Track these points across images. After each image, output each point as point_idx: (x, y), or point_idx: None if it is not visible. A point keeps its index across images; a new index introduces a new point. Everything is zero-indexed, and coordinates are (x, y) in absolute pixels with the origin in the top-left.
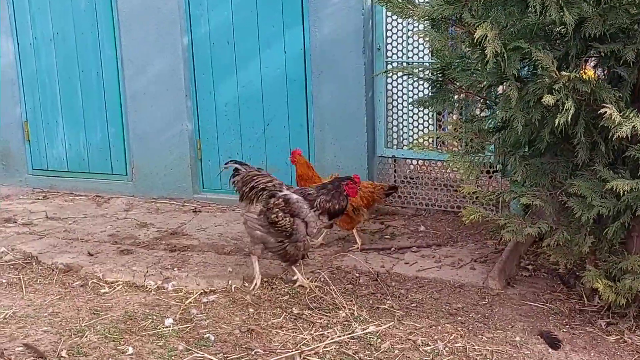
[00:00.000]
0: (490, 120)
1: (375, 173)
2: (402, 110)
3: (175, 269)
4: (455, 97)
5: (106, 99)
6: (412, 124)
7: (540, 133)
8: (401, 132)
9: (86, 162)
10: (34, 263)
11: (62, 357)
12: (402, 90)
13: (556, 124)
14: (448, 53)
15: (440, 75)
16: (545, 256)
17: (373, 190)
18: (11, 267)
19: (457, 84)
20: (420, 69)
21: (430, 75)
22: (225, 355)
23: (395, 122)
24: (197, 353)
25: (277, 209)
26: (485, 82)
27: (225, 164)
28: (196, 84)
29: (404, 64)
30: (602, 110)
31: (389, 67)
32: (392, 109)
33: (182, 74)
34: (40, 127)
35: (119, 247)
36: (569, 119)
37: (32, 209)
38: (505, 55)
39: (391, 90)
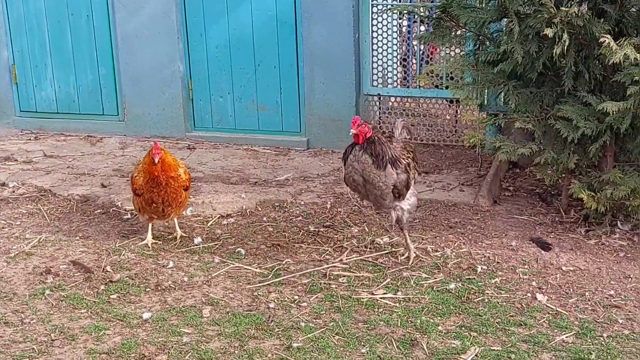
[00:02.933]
0: (486, 55)
1: (362, 110)
2: (386, 50)
3: (190, 196)
4: (453, 33)
5: (97, 42)
6: (395, 63)
7: (534, 64)
8: (385, 72)
9: (76, 103)
10: (49, 195)
11: (107, 271)
12: (386, 32)
13: (554, 54)
14: None
15: (441, 13)
16: (522, 179)
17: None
18: (27, 199)
19: (456, 21)
20: (421, 8)
21: (428, 13)
22: (259, 265)
23: (379, 62)
24: (233, 264)
25: None
26: (485, 18)
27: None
28: (187, 26)
29: (389, 6)
30: (601, 40)
31: (374, 9)
32: (376, 50)
33: (174, 16)
34: (28, 70)
35: (127, 179)
36: (564, 49)
37: (27, 148)
38: None
39: (376, 31)
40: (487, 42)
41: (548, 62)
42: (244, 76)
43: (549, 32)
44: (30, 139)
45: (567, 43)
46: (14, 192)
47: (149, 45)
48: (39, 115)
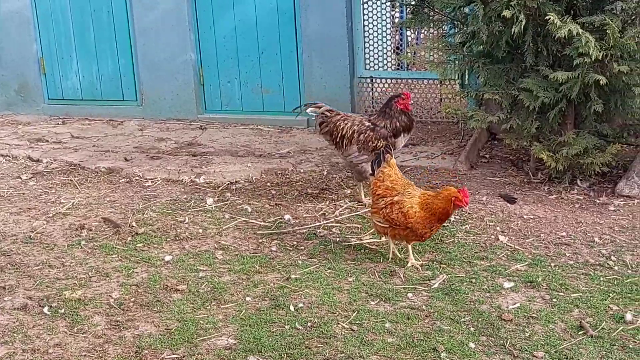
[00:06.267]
0: (458, 36)
1: (356, 92)
2: (376, 36)
3: (202, 167)
4: (430, 18)
5: (117, 35)
6: (385, 48)
7: (499, 42)
8: (376, 56)
9: (99, 90)
10: (78, 168)
11: (133, 226)
12: (376, 20)
13: (512, 33)
14: None
15: (419, 0)
16: (498, 149)
17: None
18: (59, 172)
19: (432, 7)
20: None
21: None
22: (263, 220)
23: (371, 47)
24: (241, 219)
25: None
26: (457, 4)
27: (305, 107)
28: (198, 19)
29: None
30: (547, 17)
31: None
32: (368, 36)
33: (185, 10)
34: (55, 61)
35: (147, 155)
36: (522, 29)
37: (56, 131)
38: None
39: (367, 20)
40: (461, 25)
41: (511, 41)
42: (249, 63)
43: (507, 13)
44: (58, 124)
45: (523, 23)
46: (47, 166)
47: (163, 37)
48: (65, 102)
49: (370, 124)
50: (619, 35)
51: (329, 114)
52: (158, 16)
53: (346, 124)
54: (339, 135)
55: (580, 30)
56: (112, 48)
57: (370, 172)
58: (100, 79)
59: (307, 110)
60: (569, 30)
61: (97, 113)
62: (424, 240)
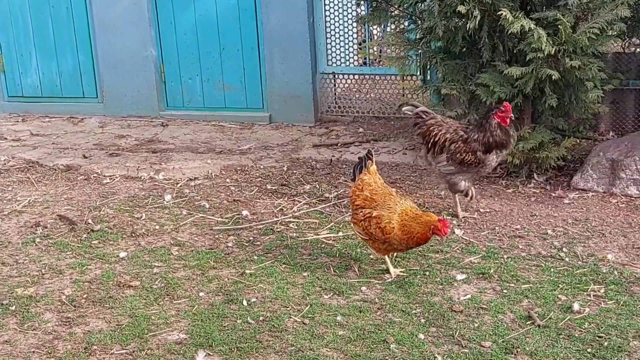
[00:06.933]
0: (416, 32)
1: (318, 87)
2: (338, 32)
3: (162, 163)
4: (388, 14)
5: (76, 31)
6: (347, 44)
7: (456, 38)
8: (339, 52)
9: (59, 88)
10: (36, 166)
11: (88, 223)
12: (338, 15)
13: (467, 28)
14: None
15: None
16: None
17: None
18: (17, 170)
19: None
20: None
21: None
22: (221, 215)
23: (333, 43)
24: (198, 214)
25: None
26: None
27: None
28: (158, 15)
29: None
30: (499, 13)
31: None
32: (330, 32)
33: (145, 6)
34: (14, 58)
35: (106, 152)
36: (477, 24)
37: (15, 129)
38: None
39: (329, 15)
40: (419, 21)
41: (468, 37)
42: (210, 59)
43: (462, 9)
44: (17, 121)
45: (478, 18)
46: (4, 164)
47: (123, 33)
48: (25, 99)
49: (464, 133)
50: (571, 30)
51: (424, 116)
52: (118, 12)
53: (440, 130)
54: (431, 141)
55: (533, 26)
56: (71, 44)
57: (352, 177)
58: (60, 76)
59: (403, 109)
60: (522, 25)
61: (58, 110)
62: (400, 252)
